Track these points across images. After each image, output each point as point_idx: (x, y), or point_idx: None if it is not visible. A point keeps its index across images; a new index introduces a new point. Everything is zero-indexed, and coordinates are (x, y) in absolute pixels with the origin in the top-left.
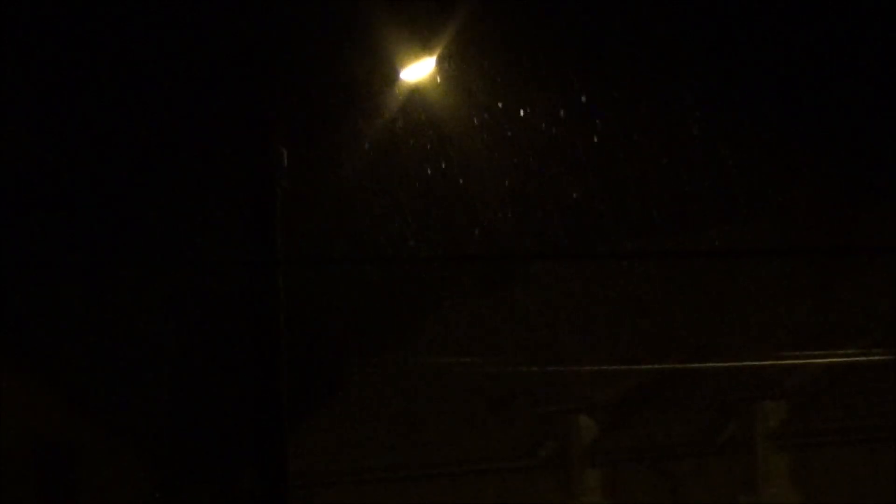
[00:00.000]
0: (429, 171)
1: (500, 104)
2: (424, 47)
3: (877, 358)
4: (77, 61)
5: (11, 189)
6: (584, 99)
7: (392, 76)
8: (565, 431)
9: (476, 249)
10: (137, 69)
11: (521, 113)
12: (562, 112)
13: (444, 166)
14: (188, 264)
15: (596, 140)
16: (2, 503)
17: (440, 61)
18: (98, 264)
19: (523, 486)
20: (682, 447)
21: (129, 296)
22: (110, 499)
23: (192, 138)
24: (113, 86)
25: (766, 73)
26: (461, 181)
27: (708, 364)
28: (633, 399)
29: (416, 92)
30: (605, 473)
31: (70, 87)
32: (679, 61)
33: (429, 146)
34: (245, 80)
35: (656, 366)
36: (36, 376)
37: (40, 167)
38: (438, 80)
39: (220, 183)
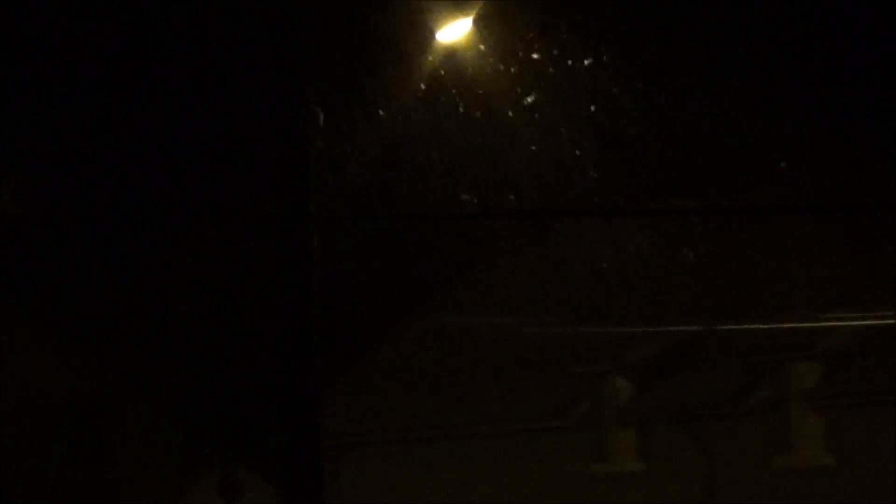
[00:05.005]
0: (464, 130)
1: (537, 63)
2: (461, 8)
3: None
4: (116, 27)
5: (45, 147)
6: (624, 57)
7: (429, 37)
8: (598, 392)
9: (511, 208)
10: (175, 32)
11: (559, 71)
12: (600, 71)
13: (479, 125)
14: (222, 221)
15: (634, 98)
16: (34, 461)
17: (477, 22)
18: (139, 221)
19: (556, 446)
20: (714, 408)
21: (162, 253)
22: (142, 457)
23: (228, 98)
24: (152, 45)
25: (806, 31)
26: (496, 140)
27: (741, 325)
28: (666, 360)
29: (452, 52)
30: (637, 434)
31: (111, 51)
32: (720, 18)
33: (465, 105)
34: (281, 41)
35: (689, 327)
36: (68, 334)
37: (75, 127)
38: (475, 40)
39: (256, 143)
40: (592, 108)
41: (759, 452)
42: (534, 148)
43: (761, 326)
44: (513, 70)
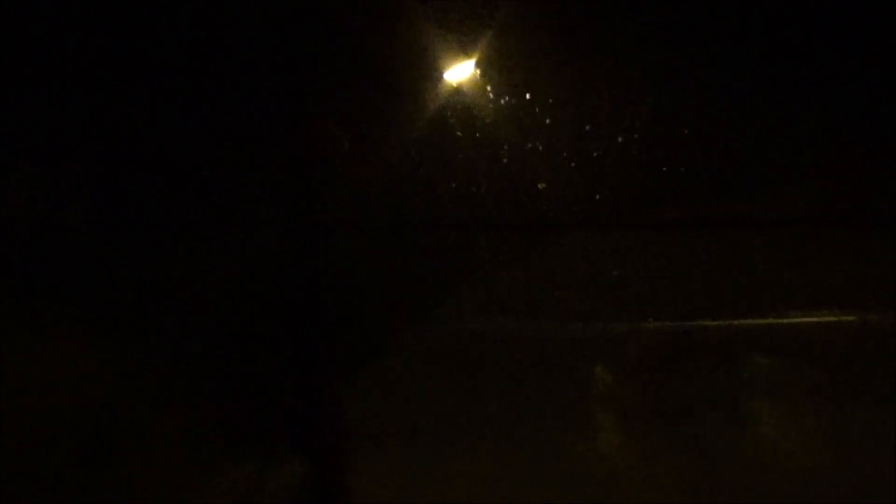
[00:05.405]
0: (468, 149)
1: (538, 96)
2: (465, 52)
3: None
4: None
5: (55, 150)
6: (620, 69)
7: (437, 76)
8: (593, 391)
9: (510, 219)
10: (184, 33)
11: (558, 93)
12: (600, 88)
13: (482, 144)
14: (232, 226)
15: (636, 121)
16: (43, 462)
17: (479, 64)
18: (147, 222)
19: (553, 445)
20: (705, 406)
21: (171, 254)
22: (155, 462)
23: (238, 104)
24: (164, 47)
25: (805, 31)
26: (497, 158)
27: (728, 321)
28: (661, 359)
29: (458, 90)
30: (632, 431)
31: (125, 53)
32: (721, 21)
33: (469, 130)
34: (293, 49)
35: (677, 323)
36: (78, 337)
37: (89, 134)
38: (478, 80)
39: (267, 151)
40: (597, 126)
41: (747, 450)
42: (533, 165)
43: (747, 323)
44: (513, 94)
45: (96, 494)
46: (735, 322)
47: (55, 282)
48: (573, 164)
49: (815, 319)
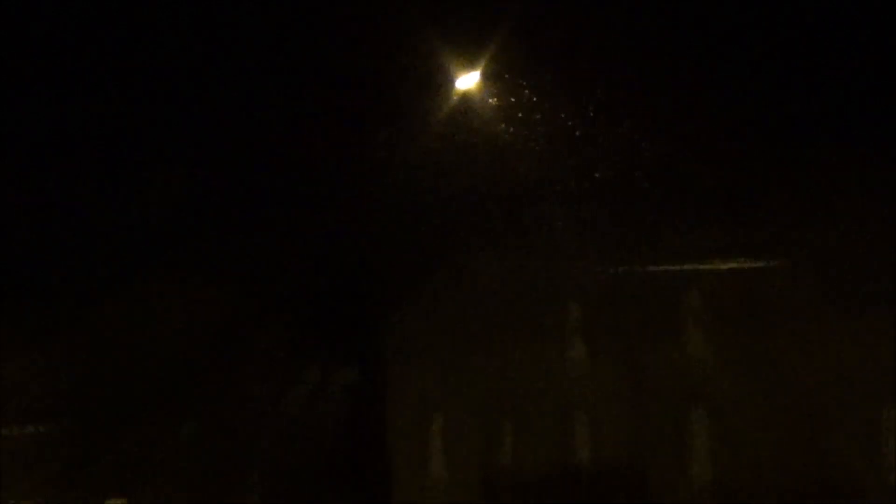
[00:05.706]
0: (466, 156)
1: (536, 108)
2: (471, 63)
3: None
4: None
5: (97, 169)
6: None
7: (449, 85)
8: (563, 318)
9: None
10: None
11: (553, 113)
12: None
13: (479, 152)
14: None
15: (625, 135)
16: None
17: (484, 74)
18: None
19: (545, 357)
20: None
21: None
22: (259, 364)
23: (255, 118)
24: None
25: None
26: (491, 163)
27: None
28: (615, 296)
29: (466, 97)
30: (590, 350)
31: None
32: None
33: (468, 134)
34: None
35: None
36: (70, 338)
37: (151, 150)
38: (484, 88)
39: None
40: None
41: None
42: (526, 171)
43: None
44: (507, 108)
45: (235, 381)
46: (673, 267)
47: (53, 280)
48: (565, 168)
49: (733, 266)
